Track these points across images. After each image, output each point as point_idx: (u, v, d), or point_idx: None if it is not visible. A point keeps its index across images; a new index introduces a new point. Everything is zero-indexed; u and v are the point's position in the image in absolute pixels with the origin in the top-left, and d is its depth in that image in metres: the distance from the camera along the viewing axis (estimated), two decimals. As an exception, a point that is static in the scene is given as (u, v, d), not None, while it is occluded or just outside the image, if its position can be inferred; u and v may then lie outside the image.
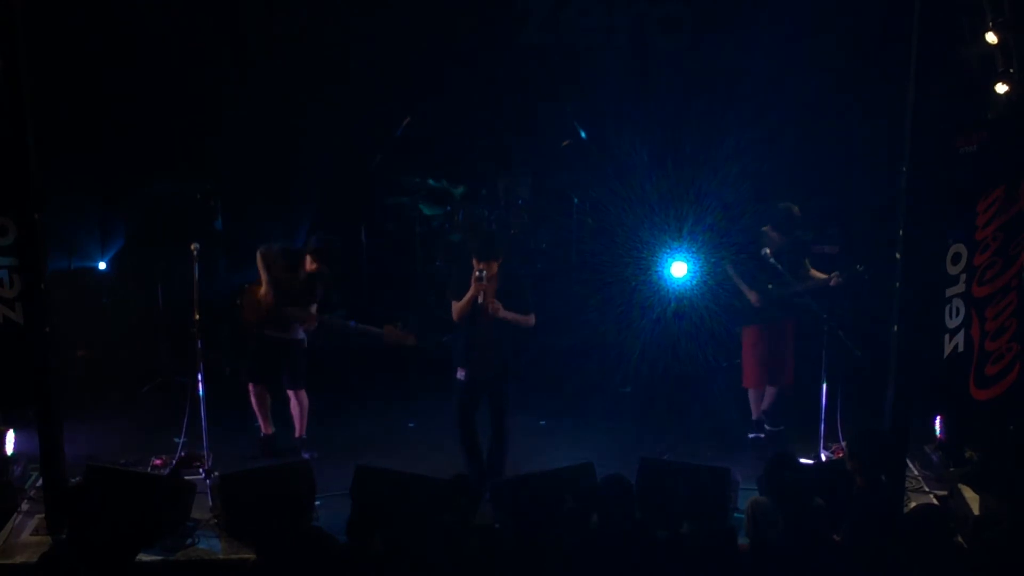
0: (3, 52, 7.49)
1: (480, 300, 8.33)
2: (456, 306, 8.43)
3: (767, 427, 9.64)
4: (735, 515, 7.97)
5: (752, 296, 9.27)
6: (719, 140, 12.00)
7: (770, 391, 9.64)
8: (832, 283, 9.13)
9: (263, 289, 8.97)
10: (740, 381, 10.15)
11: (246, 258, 9.59)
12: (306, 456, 8.99)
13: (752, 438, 9.61)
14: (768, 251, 9.11)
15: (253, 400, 9.24)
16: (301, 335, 9.12)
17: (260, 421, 9.32)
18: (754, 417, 9.67)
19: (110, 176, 11.18)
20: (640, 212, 11.66)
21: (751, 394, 9.67)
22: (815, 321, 9.04)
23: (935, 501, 8.20)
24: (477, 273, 8.28)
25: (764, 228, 9.30)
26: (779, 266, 9.04)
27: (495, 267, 8.37)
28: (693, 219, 11.77)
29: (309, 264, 8.98)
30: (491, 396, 8.59)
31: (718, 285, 9.92)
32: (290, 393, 9.22)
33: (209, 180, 11.08)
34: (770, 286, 9.20)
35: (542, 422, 9.96)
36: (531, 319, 8.51)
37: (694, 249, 11.56)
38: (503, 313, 8.35)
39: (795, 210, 9.22)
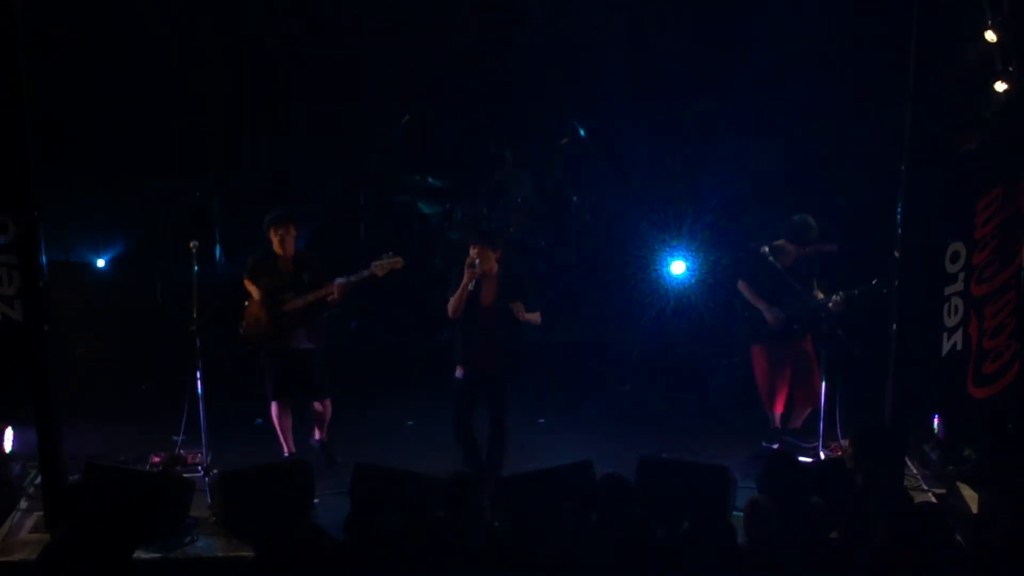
0: (3, 51, 7.49)
1: (471, 287, 8.31)
2: (451, 300, 8.40)
3: (802, 444, 9.28)
4: (734, 513, 7.98)
5: (770, 317, 9.05)
6: (718, 138, 12.01)
7: (801, 410, 9.38)
8: (832, 307, 8.88)
9: (256, 298, 8.80)
10: (740, 378, 10.15)
11: (243, 253, 9.56)
12: (334, 459, 8.91)
13: (765, 447, 9.30)
14: (767, 249, 9.04)
15: (275, 420, 8.98)
16: (310, 344, 8.85)
17: (282, 441, 9.03)
18: (772, 426, 9.45)
19: (110, 174, 11.17)
20: (639, 210, 11.66)
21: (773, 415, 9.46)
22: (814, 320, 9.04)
23: (934, 499, 8.19)
24: (470, 259, 8.28)
25: (778, 242, 9.03)
26: (778, 264, 8.98)
27: (492, 258, 8.35)
28: (692, 217, 11.79)
29: (279, 241, 8.66)
30: (490, 394, 8.58)
31: (717, 283, 9.90)
32: (315, 404, 9.01)
33: (208, 178, 11.07)
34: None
35: (541, 420, 9.97)
36: (539, 317, 8.48)
37: (693, 247, 11.60)
38: (525, 316, 8.30)
39: (811, 221, 8.98)
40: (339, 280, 8.66)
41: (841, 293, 8.90)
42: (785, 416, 9.46)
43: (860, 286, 8.86)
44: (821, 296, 9.01)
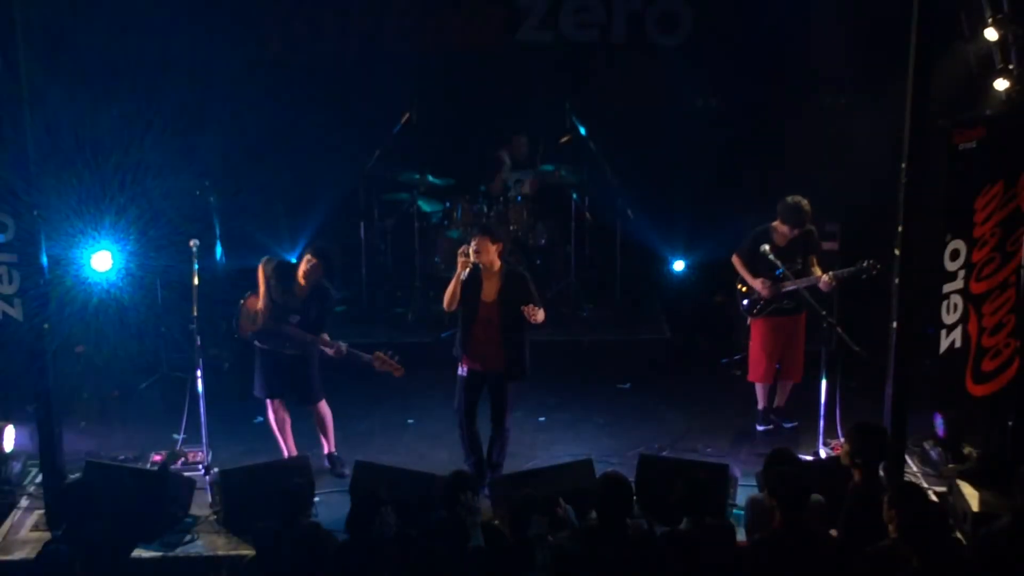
0: (3, 49, 7.50)
1: (464, 276, 8.28)
2: (447, 291, 8.37)
3: (784, 424, 9.55)
4: (734, 511, 7.98)
5: (757, 284, 9.19)
6: (717, 136, 12.02)
7: (784, 386, 9.56)
8: (822, 286, 8.97)
9: (260, 302, 8.64)
10: (740, 377, 10.16)
11: (244, 250, 9.55)
12: (344, 473, 8.76)
13: (761, 430, 9.53)
14: (767, 248, 9.07)
15: (271, 420, 8.88)
16: (299, 351, 8.69)
17: (280, 444, 8.90)
18: (760, 407, 9.59)
19: (110, 172, 11.15)
20: (637, 208, 11.67)
21: (758, 386, 9.60)
22: (814, 317, 9.05)
23: (935, 498, 8.19)
24: (464, 247, 8.26)
25: (773, 223, 9.19)
26: (778, 263, 9.01)
27: (492, 252, 8.30)
28: (695, 214, 11.82)
29: (304, 266, 8.54)
30: (493, 392, 8.56)
31: (720, 278, 9.93)
32: (309, 408, 8.92)
33: (207, 176, 11.06)
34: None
35: (541, 418, 9.96)
36: (542, 315, 8.38)
37: (694, 243, 11.65)
38: (536, 318, 8.24)
39: (804, 204, 9.08)
40: (341, 344, 8.51)
41: (831, 273, 8.99)
42: (771, 394, 9.60)
43: (849, 267, 8.95)
44: (819, 273, 9.08)
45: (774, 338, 9.37)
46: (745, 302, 9.39)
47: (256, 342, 8.74)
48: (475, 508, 6.83)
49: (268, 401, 8.86)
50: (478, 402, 8.58)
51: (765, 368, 9.45)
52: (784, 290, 9.13)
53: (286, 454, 8.89)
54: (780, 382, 9.57)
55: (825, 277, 8.96)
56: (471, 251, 8.26)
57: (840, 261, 9.86)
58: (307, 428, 9.04)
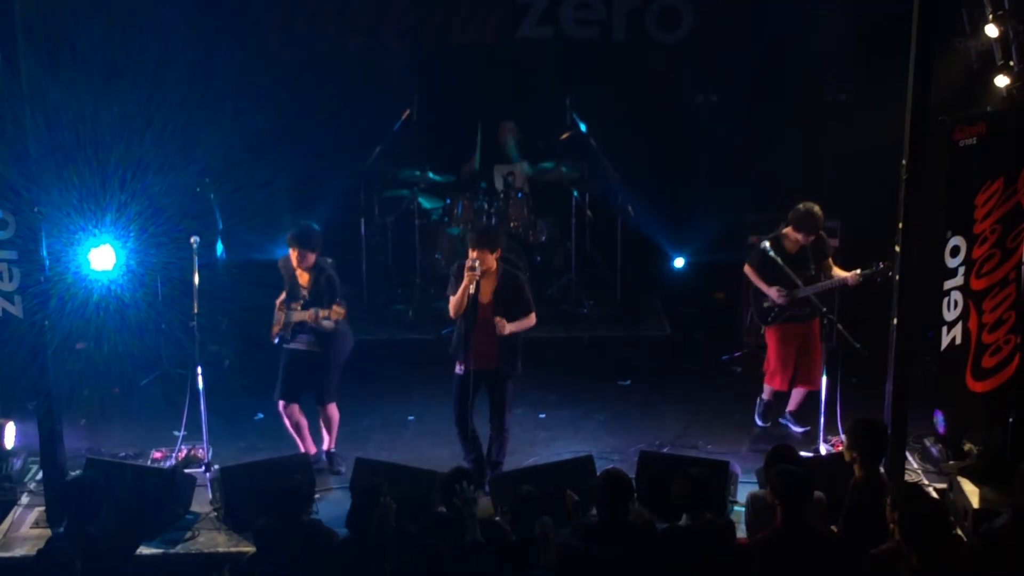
0: (4, 47, 7.50)
1: (472, 290, 8.31)
2: (452, 301, 8.39)
3: (795, 428, 9.51)
4: (735, 508, 7.99)
5: (773, 293, 9.13)
6: (718, 133, 12.01)
7: (797, 391, 9.48)
8: (851, 283, 8.97)
9: (280, 297, 8.76)
10: (741, 374, 10.17)
11: (243, 245, 9.60)
12: (339, 471, 8.81)
13: (761, 426, 9.55)
14: (768, 244, 9.06)
15: (287, 423, 8.86)
16: (317, 347, 8.73)
17: (298, 443, 8.90)
18: (764, 397, 9.57)
19: (111, 169, 11.15)
20: (638, 205, 11.66)
21: (767, 389, 9.57)
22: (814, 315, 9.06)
23: (935, 494, 8.19)
24: (470, 262, 8.27)
25: (784, 230, 9.13)
26: (779, 260, 9.00)
27: (490, 259, 8.30)
28: (695, 211, 11.81)
29: (293, 255, 8.62)
30: (492, 390, 8.55)
31: (721, 276, 9.92)
32: (319, 408, 8.91)
33: (208, 173, 11.06)
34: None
35: (541, 415, 9.96)
36: (532, 320, 8.43)
37: (695, 240, 11.65)
38: (510, 328, 8.26)
39: (816, 210, 9.03)
40: (312, 310, 8.52)
41: (858, 271, 8.96)
42: (782, 396, 9.56)
43: (868, 268, 8.91)
44: (841, 274, 9.06)
45: (788, 345, 9.29)
46: (759, 310, 9.33)
47: (281, 343, 8.78)
48: (472, 499, 6.82)
49: (282, 406, 8.83)
50: (476, 400, 8.57)
51: (781, 376, 9.38)
52: (802, 295, 9.03)
53: (302, 452, 8.86)
54: (795, 388, 9.47)
55: (851, 276, 8.93)
56: (476, 264, 8.24)
57: (841, 258, 9.86)
58: (312, 428, 9.04)
